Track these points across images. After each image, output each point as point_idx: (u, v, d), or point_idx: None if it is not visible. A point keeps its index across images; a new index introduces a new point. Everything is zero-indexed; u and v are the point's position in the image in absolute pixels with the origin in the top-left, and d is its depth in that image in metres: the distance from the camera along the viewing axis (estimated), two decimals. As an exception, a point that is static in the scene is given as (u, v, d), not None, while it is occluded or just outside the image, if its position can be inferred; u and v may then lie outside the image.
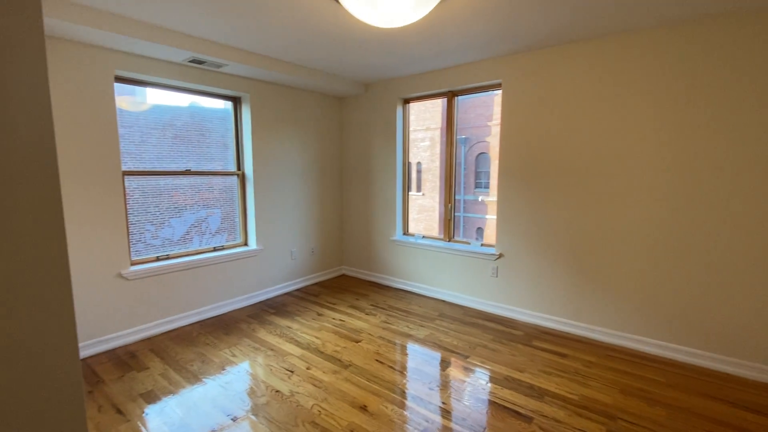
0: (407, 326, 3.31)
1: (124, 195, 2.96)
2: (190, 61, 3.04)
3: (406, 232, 4.43)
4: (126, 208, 2.99)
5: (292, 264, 4.27)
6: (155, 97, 3.20)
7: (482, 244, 3.79)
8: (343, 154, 4.76)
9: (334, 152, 4.68)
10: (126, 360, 2.72)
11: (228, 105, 3.70)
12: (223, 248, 3.71)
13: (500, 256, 3.52)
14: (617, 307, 2.95)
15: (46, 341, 0.71)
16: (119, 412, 2.15)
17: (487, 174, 11.82)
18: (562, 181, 3.11)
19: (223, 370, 2.60)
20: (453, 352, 2.86)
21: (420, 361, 2.72)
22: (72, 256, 2.67)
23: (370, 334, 3.16)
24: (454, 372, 2.58)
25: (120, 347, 2.91)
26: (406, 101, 4.22)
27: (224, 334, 3.15)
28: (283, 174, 4.08)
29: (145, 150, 3.12)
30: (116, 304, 2.92)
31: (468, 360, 2.73)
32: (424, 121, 11.81)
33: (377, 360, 2.73)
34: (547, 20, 2.52)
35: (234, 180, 3.79)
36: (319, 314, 3.57)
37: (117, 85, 2.93)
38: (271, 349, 2.88)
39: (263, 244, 3.94)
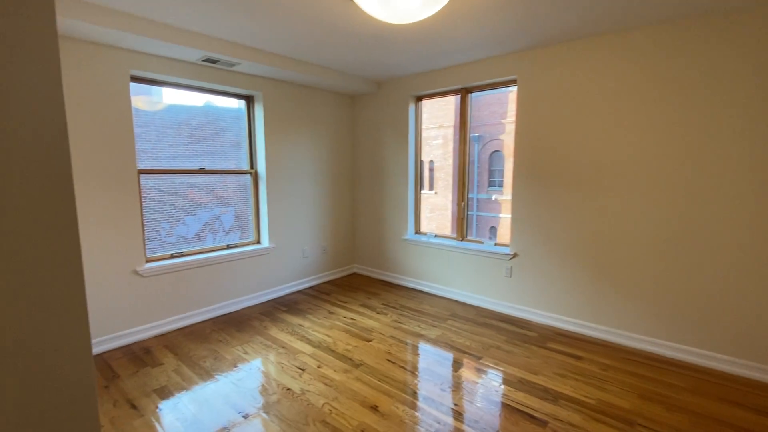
0: (419, 326, 3.28)
1: (140, 193, 3.00)
2: (203, 61, 3.06)
3: (418, 231, 4.39)
4: (141, 206, 3.04)
5: (304, 262, 4.29)
6: (171, 96, 3.24)
7: (496, 244, 3.73)
8: (355, 153, 4.75)
9: (346, 150, 4.67)
10: (141, 356, 2.76)
11: (241, 104, 3.73)
12: (236, 246, 3.74)
13: (514, 255, 3.45)
14: (635, 308, 2.87)
15: (58, 340, 0.71)
16: (133, 407, 2.18)
17: (501, 172, 11.67)
18: (579, 180, 3.04)
19: (235, 367, 2.61)
20: (465, 352, 2.82)
21: (432, 362, 2.69)
22: (89, 253, 2.72)
23: (381, 333, 3.14)
24: (466, 373, 2.54)
25: (135, 343, 2.96)
26: (419, 99, 4.18)
27: (236, 331, 3.18)
28: (296, 172, 4.09)
29: (161, 149, 3.16)
30: (131, 300, 2.96)
31: (481, 361, 2.69)
32: (436, 119, 11.72)
33: (388, 360, 2.71)
34: (566, 11, 2.45)
35: (247, 178, 3.81)
36: (331, 312, 3.57)
37: (134, 85, 2.97)
38: (283, 347, 2.89)
39: (275, 242, 3.95)
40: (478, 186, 12.02)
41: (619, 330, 2.96)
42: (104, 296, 2.82)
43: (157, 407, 2.18)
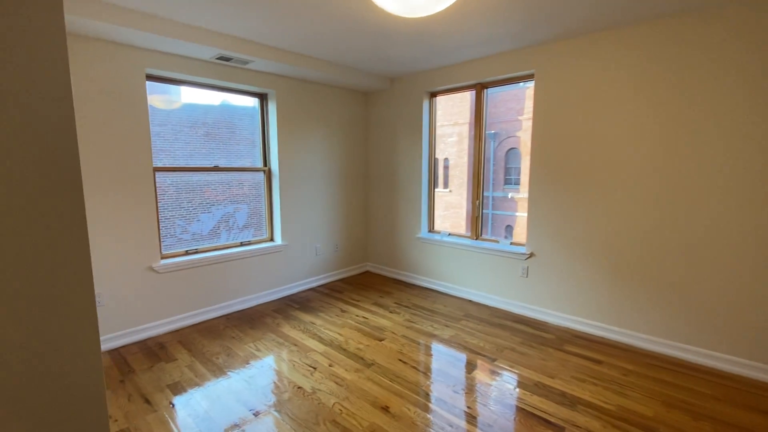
0: (432, 326, 3.23)
1: (155, 190, 3.04)
2: (217, 59, 3.07)
3: (431, 230, 4.33)
4: (157, 203, 3.07)
5: (317, 260, 4.28)
6: (187, 95, 3.26)
7: (512, 243, 3.65)
8: (368, 150, 4.72)
9: (359, 148, 4.64)
10: (156, 351, 2.80)
11: (256, 102, 3.73)
12: (249, 243, 3.76)
13: (531, 255, 3.37)
14: (658, 311, 2.75)
15: (67, 340, 0.71)
16: (147, 402, 2.21)
17: (518, 170, 11.46)
18: (599, 178, 2.93)
19: (248, 364, 2.62)
20: (479, 354, 2.76)
21: (444, 363, 2.64)
22: (105, 250, 2.77)
23: (393, 332, 3.10)
24: (480, 375, 2.49)
25: (150, 338, 3.00)
26: (433, 95, 4.12)
27: (249, 328, 3.19)
28: (308, 169, 4.08)
29: (178, 147, 3.19)
30: (147, 296, 3.00)
31: (495, 363, 2.63)
32: (451, 116, 11.58)
33: (400, 360, 2.68)
34: (587, 1, 2.36)
35: (260, 176, 3.82)
36: (343, 311, 3.56)
37: (152, 84, 3.00)
38: (295, 345, 2.89)
39: (288, 240, 3.96)
40: (493, 184, 11.85)
41: (641, 333, 2.85)
42: (120, 292, 2.86)
43: (170, 403, 2.20)
